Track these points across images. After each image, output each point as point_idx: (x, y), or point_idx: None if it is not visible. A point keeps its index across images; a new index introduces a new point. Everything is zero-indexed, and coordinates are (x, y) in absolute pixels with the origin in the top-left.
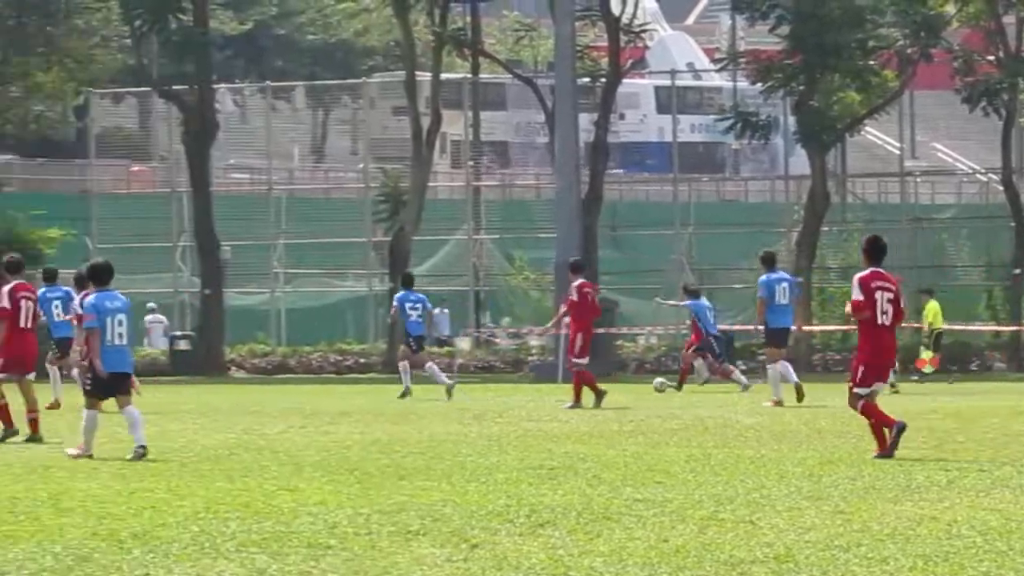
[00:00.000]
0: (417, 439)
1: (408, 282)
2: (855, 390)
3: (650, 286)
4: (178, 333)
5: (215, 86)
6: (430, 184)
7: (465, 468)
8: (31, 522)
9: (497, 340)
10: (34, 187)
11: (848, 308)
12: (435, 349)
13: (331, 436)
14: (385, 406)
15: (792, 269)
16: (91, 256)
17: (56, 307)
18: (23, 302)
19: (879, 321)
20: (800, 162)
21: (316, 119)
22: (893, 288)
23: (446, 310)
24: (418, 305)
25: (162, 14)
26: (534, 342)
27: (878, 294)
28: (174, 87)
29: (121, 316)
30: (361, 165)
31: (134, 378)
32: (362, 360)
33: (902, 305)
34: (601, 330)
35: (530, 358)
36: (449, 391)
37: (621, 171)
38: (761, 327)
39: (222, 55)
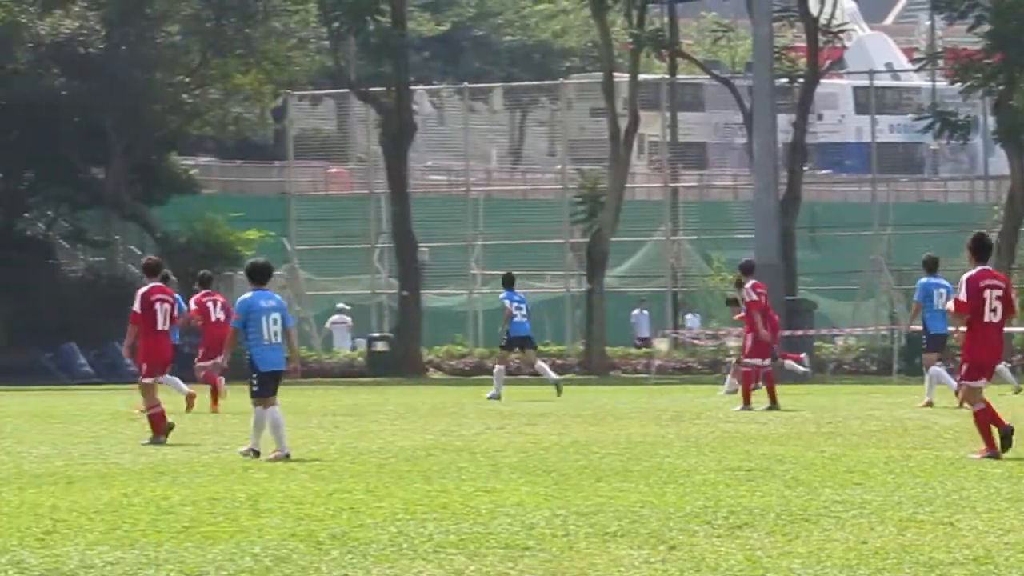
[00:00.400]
0: (614, 440)
1: (509, 282)
2: (963, 382)
3: (848, 287)
4: (376, 334)
5: (413, 88)
6: (628, 185)
7: (663, 469)
8: (230, 523)
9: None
10: (233, 189)
11: (951, 306)
12: (633, 350)
13: (529, 437)
14: (583, 407)
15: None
16: (289, 258)
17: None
18: (158, 304)
19: (986, 319)
20: (1000, 162)
21: (514, 120)
22: (1003, 285)
23: (645, 311)
24: (522, 305)
25: (360, 16)
26: (732, 343)
27: (987, 292)
28: (372, 89)
29: (276, 315)
30: (559, 166)
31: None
32: (559, 361)
33: (1013, 302)
34: (799, 332)
35: (727, 359)
36: (558, 388)
37: (821, 172)
38: (917, 328)
39: (420, 56)
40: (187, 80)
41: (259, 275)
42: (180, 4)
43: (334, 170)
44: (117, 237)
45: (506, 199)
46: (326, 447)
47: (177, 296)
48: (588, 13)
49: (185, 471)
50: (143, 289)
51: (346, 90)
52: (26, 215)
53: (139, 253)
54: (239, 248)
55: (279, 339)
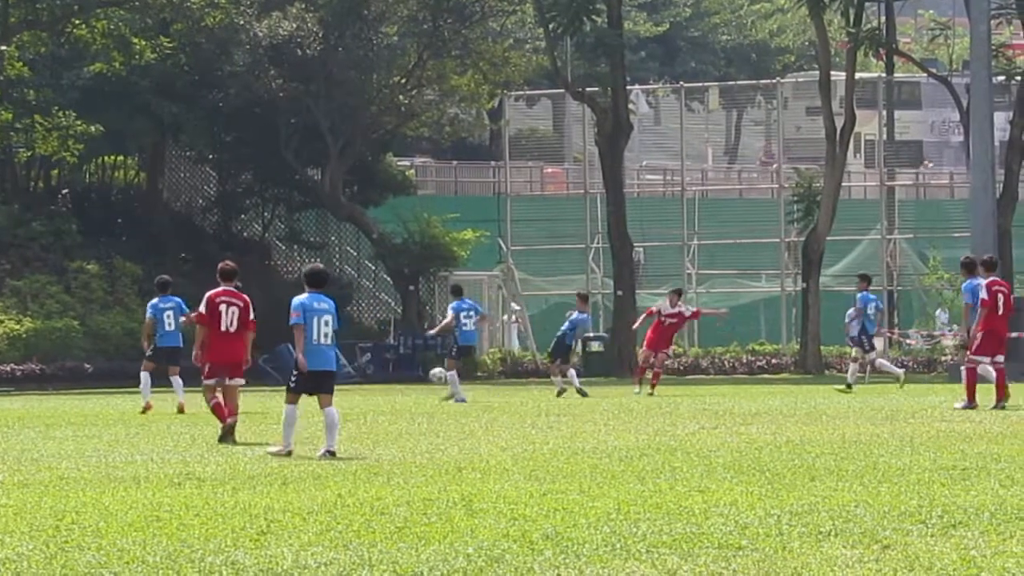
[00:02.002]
0: (828, 440)
1: (458, 292)
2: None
3: None
4: (591, 335)
5: (629, 87)
6: (843, 184)
7: (877, 469)
8: (443, 523)
9: (910, 341)
10: (448, 190)
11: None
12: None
13: (742, 437)
14: (797, 407)
15: None
16: (505, 258)
17: (168, 317)
18: (223, 307)
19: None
20: None
21: (729, 119)
22: (1006, 290)
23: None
24: (471, 314)
25: (577, 16)
26: (948, 342)
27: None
28: (588, 89)
29: (327, 317)
30: (774, 165)
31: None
32: (774, 361)
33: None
34: (1014, 334)
35: (943, 358)
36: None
37: None
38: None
39: (636, 56)
40: (403, 81)
41: (317, 280)
42: (397, 5)
43: (550, 170)
44: (333, 238)
45: (721, 198)
46: (540, 447)
47: (178, 300)
48: (805, 12)
49: (399, 472)
50: (210, 292)
51: (562, 90)
52: (243, 216)
53: (355, 254)
54: (454, 249)
55: (329, 340)
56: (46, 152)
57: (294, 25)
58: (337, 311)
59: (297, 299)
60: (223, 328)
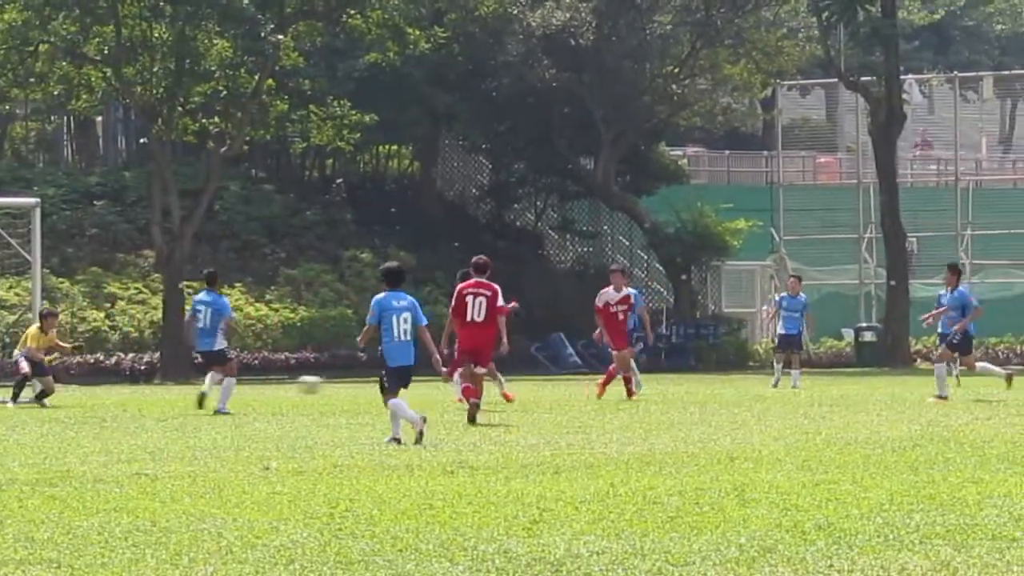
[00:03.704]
0: None
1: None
2: None
3: None
4: (863, 324)
5: (903, 77)
6: None
7: None
8: (715, 513)
9: None
10: (721, 179)
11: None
12: None
13: (1017, 428)
14: None
15: None
16: (776, 248)
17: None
18: (470, 298)
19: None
20: None
21: (1004, 109)
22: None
23: None
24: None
25: (850, 5)
26: None
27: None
28: (861, 78)
29: (406, 315)
30: None
31: None
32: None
33: None
34: None
35: None
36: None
37: None
38: None
39: (910, 46)
40: (676, 70)
41: (394, 277)
42: None
43: (822, 160)
44: (605, 227)
45: (995, 188)
46: (812, 437)
47: (223, 299)
48: None
49: (671, 461)
50: (459, 284)
51: (835, 80)
52: (516, 206)
53: (627, 244)
54: (727, 238)
55: (408, 337)
56: (321, 142)
57: (567, 15)
58: (417, 307)
59: (376, 299)
60: (469, 318)
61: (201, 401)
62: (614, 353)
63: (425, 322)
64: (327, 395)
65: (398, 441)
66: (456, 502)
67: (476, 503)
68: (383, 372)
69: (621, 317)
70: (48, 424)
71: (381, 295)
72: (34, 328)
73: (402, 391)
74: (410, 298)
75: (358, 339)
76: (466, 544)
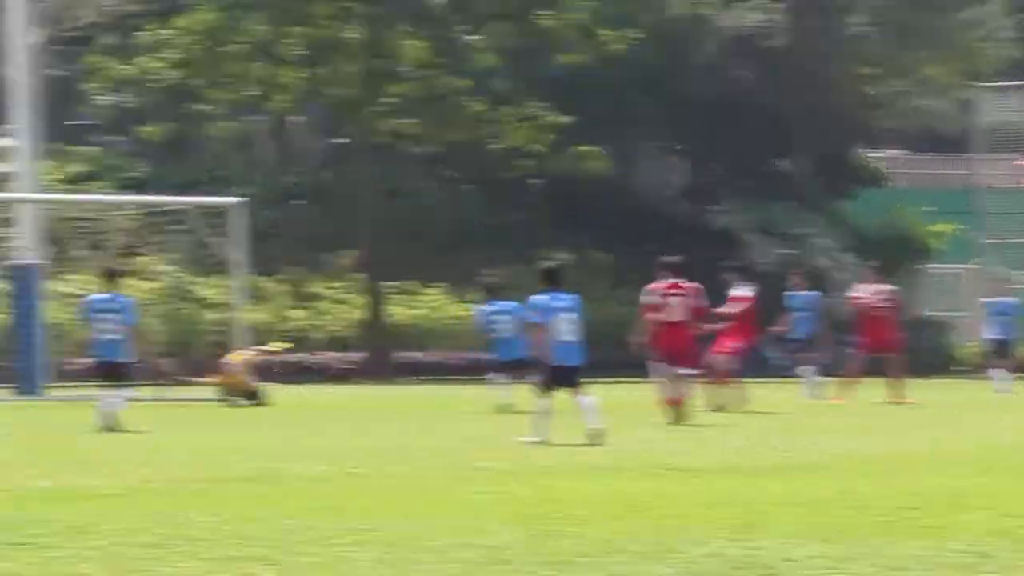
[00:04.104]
0: None
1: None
2: None
3: None
4: None
5: None
6: None
7: None
8: (929, 518)
9: None
10: (921, 182)
11: None
12: None
13: None
14: None
15: None
16: (981, 252)
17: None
18: (671, 299)
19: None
20: None
21: None
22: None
23: None
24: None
25: None
26: None
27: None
28: None
29: (567, 315)
30: None
31: None
32: None
33: None
34: None
35: None
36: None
37: None
38: None
39: None
40: (873, 72)
41: (554, 277)
42: None
43: (1022, 163)
44: (805, 230)
45: None
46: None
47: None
48: None
49: (881, 464)
50: (657, 284)
51: None
52: (712, 207)
53: (828, 246)
54: (929, 241)
55: (572, 336)
56: (517, 143)
57: (761, 16)
58: (580, 306)
59: (536, 299)
60: (668, 319)
61: None
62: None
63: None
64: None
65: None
66: (665, 504)
67: (685, 505)
68: (543, 370)
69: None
70: (261, 422)
71: (541, 296)
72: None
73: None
74: (570, 297)
75: (531, 340)
76: (676, 546)
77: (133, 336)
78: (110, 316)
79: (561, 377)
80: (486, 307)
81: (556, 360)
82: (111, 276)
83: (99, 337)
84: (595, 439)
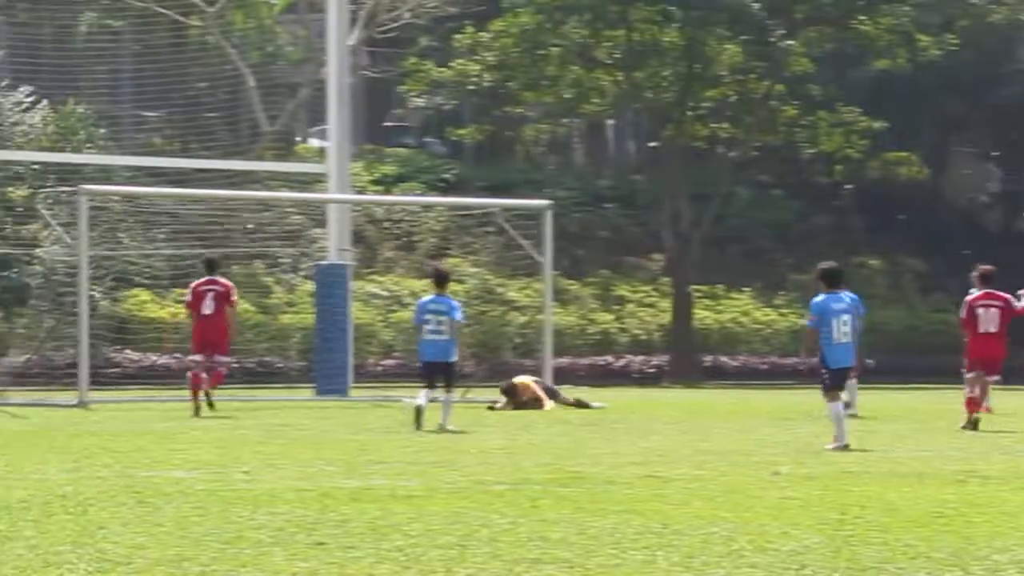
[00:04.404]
0: None
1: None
2: None
3: None
4: None
5: None
6: None
7: None
8: None
9: None
10: None
11: None
12: None
13: None
14: None
15: None
16: None
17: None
18: (980, 310)
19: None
20: None
21: None
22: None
23: None
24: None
25: None
26: None
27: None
28: None
29: (845, 317)
30: None
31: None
32: None
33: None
34: None
35: None
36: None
37: None
38: None
39: None
40: None
41: (833, 278)
42: None
43: None
44: None
45: None
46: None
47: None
48: None
49: None
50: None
51: None
52: None
53: None
54: None
55: (849, 339)
56: (830, 148)
57: None
58: (857, 306)
59: (815, 301)
60: (982, 329)
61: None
62: None
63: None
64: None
65: (847, 447)
66: (968, 511)
67: (988, 512)
68: (824, 372)
69: None
70: (558, 425)
71: (820, 297)
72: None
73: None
74: (849, 298)
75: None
76: (979, 554)
77: (458, 337)
78: (440, 318)
79: (836, 377)
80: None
81: (835, 363)
82: (440, 278)
83: (428, 338)
84: (838, 449)
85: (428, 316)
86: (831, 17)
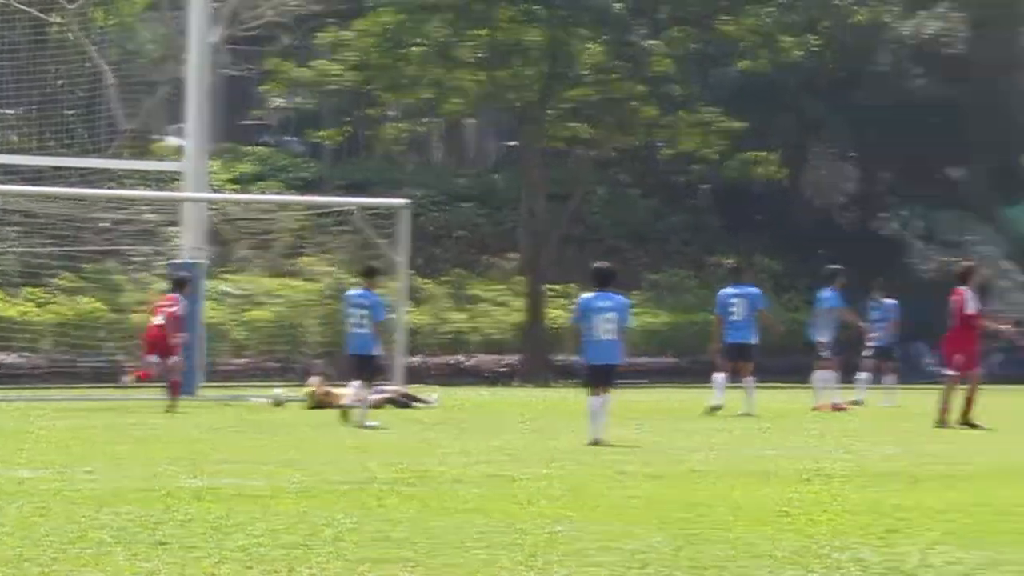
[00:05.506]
0: None
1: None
2: None
3: None
4: None
5: None
6: None
7: None
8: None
9: None
10: None
11: None
12: None
13: None
14: None
15: None
16: None
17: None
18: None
19: None
20: None
21: None
22: None
23: None
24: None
25: None
26: None
27: None
28: None
29: (609, 315)
30: None
31: None
32: None
33: None
34: None
35: None
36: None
37: None
38: None
39: None
40: None
41: (601, 277)
42: None
43: None
44: (970, 237)
45: None
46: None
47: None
48: None
49: None
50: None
51: None
52: (881, 214)
53: (993, 254)
54: None
55: (610, 336)
56: (689, 148)
57: (941, 24)
58: (624, 307)
59: (581, 298)
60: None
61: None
62: None
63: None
64: (685, 400)
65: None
66: (811, 509)
67: (831, 511)
68: (584, 368)
69: None
70: (408, 425)
71: (587, 294)
72: None
73: None
74: (617, 298)
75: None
76: (820, 552)
77: (379, 333)
78: (362, 312)
79: (597, 375)
80: (728, 290)
81: (593, 359)
82: (369, 274)
83: (351, 331)
84: (596, 437)
85: (351, 308)
86: (694, 17)
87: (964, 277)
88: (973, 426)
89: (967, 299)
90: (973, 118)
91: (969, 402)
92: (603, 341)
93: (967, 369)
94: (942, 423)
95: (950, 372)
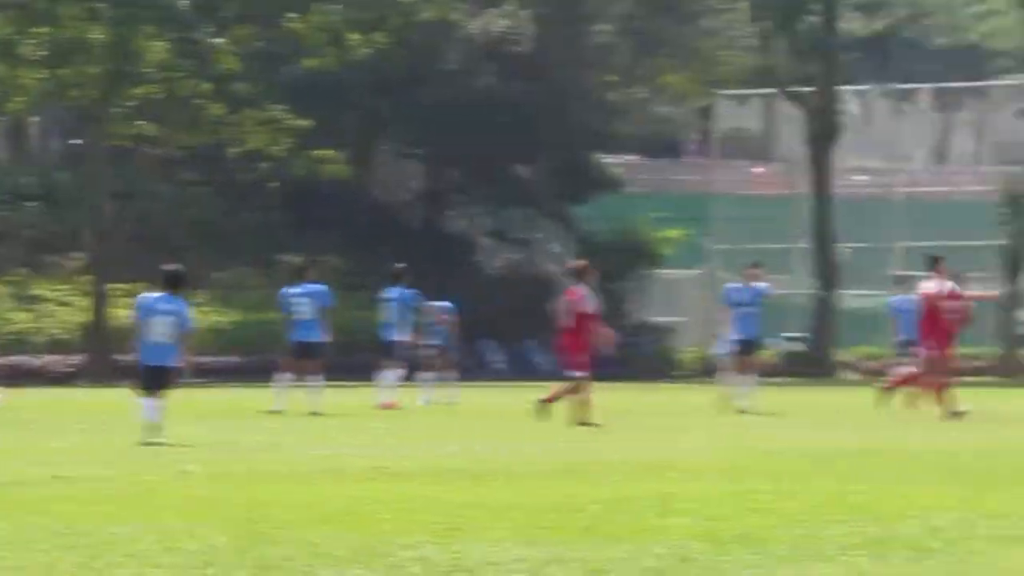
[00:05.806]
0: None
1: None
2: None
3: None
4: (791, 334)
5: (840, 88)
6: None
7: None
8: (636, 521)
9: None
10: (656, 188)
11: None
12: None
13: (945, 441)
14: (1000, 411)
15: None
16: (708, 258)
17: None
18: None
19: None
20: None
21: (941, 122)
22: None
23: None
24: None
25: (792, 15)
26: None
27: None
28: (800, 89)
29: (168, 319)
30: (984, 168)
31: None
32: (975, 364)
33: None
34: None
35: None
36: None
37: None
38: None
39: (849, 57)
40: (616, 79)
41: (170, 280)
42: (612, 3)
43: (757, 170)
44: (539, 235)
45: (929, 201)
46: (737, 446)
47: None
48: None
49: (595, 469)
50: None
51: (774, 90)
52: (449, 212)
53: (559, 252)
54: (659, 247)
55: (164, 339)
56: (256, 146)
57: (508, 22)
58: (185, 313)
59: (139, 296)
60: None
61: None
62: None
63: (190, 328)
64: (252, 399)
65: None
66: (376, 507)
67: (395, 509)
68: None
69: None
70: None
71: (150, 295)
72: None
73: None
74: (178, 303)
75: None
76: (383, 550)
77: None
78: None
79: (151, 377)
80: (291, 288)
81: (145, 360)
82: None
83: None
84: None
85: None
86: (260, 15)
87: (580, 275)
88: (588, 424)
89: (584, 298)
90: (541, 117)
91: (579, 401)
92: (159, 344)
93: (585, 368)
94: (582, 421)
95: (577, 374)
